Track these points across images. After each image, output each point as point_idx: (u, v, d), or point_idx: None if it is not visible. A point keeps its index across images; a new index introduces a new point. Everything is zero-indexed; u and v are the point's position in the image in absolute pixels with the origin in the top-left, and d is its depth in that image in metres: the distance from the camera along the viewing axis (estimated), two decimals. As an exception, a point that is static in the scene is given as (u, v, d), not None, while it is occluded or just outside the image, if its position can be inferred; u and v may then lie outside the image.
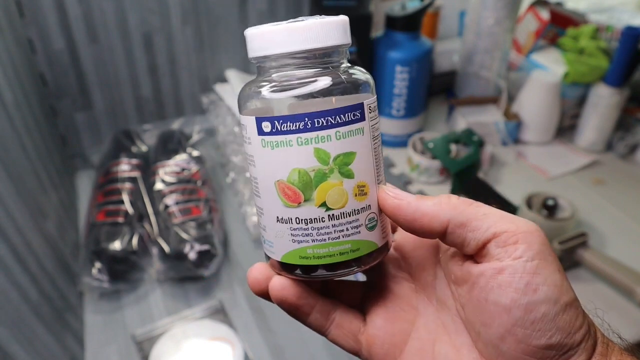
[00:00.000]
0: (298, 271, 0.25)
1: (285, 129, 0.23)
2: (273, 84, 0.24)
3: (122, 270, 0.60)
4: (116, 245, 0.59)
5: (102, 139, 0.81)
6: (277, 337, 0.56)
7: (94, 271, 0.57)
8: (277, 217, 0.24)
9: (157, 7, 0.75)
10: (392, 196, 0.24)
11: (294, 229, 0.24)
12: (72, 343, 0.52)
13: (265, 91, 0.23)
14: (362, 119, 0.24)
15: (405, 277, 0.28)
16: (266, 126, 0.23)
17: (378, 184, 0.25)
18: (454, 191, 0.78)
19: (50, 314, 0.48)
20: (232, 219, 0.72)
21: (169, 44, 0.78)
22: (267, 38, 0.23)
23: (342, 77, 0.24)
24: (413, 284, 0.28)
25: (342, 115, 0.23)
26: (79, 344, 0.54)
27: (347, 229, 0.24)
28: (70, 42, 0.72)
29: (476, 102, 0.92)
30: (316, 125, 0.23)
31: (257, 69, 0.25)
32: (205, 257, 0.59)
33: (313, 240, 0.24)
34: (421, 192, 0.78)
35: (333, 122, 0.23)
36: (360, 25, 0.78)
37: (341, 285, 0.29)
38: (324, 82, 0.23)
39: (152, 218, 0.64)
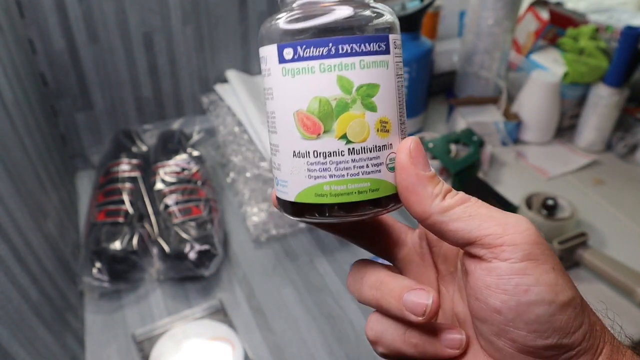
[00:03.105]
0: (313, 213, 0.24)
1: (307, 54, 0.22)
2: (294, 13, 0.23)
3: (123, 270, 0.60)
4: (116, 245, 0.59)
5: (102, 139, 0.81)
6: (277, 337, 0.56)
7: (94, 271, 0.57)
8: (294, 152, 0.23)
9: (157, 7, 0.75)
10: (409, 154, 0.23)
11: (311, 164, 0.23)
12: (73, 343, 0.52)
13: (286, 21, 0.23)
14: (387, 52, 0.23)
15: (430, 265, 0.28)
16: (288, 53, 0.22)
17: (401, 126, 0.24)
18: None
19: (51, 313, 0.48)
20: (232, 219, 0.72)
21: (169, 44, 0.79)
22: None
23: (367, 9, 0.23)
24: (437, 273, 0.28)
25: (367, 44, 0.22)
26: (79, 344, 0.54)
27: (368, 166, 0.23)
28: (70, 42, 0.72)
29: (476, 102, 0.92)
30: (340, 51, 0.22)
31: (279, 3, 0.25)
32: (205, 257, 0.59)
33: (331, 176, 0.23)
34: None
35: (358, 50, 0.22)
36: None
37: None
38: (347, 11, 0.22)
39: (153, 218, 0.64)
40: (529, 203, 0.68)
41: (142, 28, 0.75)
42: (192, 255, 0.58)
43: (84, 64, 0.74)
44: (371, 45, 0.22)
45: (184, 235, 0.60)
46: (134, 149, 0.74)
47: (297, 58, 0.22)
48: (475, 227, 0.22)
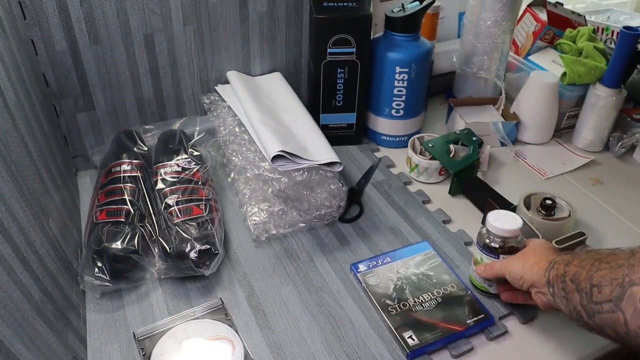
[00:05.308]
0: None
1: None
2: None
3: (124, 270, 0.60)
4: (118, 244, 0.59)
5: (103, 140, 0.81)
6: (277, 336, 0.57)
7: (96, 270, 0.57)
8: None
9: (158, 8, 0.75)
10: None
11: None
12: (74, 341, 0.52)
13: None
14: None
15: None
16: None
17: None
18: (453, 191, 0.78)
19: (53, 312, 0.48)
20: (232, 219, 0.73)
21: (170, 45, 0.79)
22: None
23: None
24: None
25: None
26: (81, 343, 0.54)
27: None
28: (72, 43, 0.72)
29: (475, 102, 0.93)
30: None
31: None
32: (206, 256, 0.60)
33: None
34: (420, 192, 0.78)
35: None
36: (360, 26, 0.78)
37: None
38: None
39: (154, 218, 0.65)
40: (527, 203, 0.69)
41: (143, 29, 0.76)
42: (193, 255, 0.59)
43: (86, 64, 0.75)
44: None
45: (185, 235, 0.60)
46: (135, 149, 0.74)
47: None
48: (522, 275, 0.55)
